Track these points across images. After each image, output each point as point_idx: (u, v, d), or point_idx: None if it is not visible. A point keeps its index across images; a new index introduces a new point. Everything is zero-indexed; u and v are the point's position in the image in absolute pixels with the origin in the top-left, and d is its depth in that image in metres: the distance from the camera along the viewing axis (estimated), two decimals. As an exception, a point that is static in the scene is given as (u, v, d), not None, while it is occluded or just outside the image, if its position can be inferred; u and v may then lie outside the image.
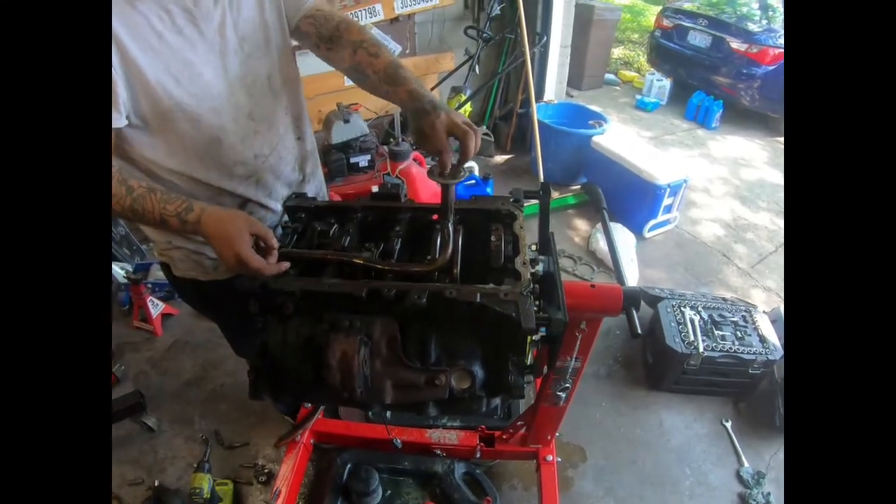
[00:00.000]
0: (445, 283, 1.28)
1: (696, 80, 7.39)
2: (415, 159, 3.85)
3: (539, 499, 2.23)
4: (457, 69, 5.05)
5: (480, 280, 1.29)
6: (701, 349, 3.03)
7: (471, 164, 4.60)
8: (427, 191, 3.72)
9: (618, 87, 8.38)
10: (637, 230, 4.58)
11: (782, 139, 6.67)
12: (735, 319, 3.28)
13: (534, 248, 1.58)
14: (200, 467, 2.56)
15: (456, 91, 4.96)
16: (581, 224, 4.89)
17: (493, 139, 5.65)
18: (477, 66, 4.91)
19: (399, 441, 2.29)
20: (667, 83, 7.65)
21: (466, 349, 1.28)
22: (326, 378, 1.19)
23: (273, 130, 1.63)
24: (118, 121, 1.31)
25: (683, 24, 7.47)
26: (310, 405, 2.37)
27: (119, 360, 3.40)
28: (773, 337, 3.13)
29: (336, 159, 3.91)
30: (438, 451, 2.36)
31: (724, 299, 3.66)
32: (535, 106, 4.94)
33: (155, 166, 1.47)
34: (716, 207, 5.29)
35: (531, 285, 1.25)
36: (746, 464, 2.90)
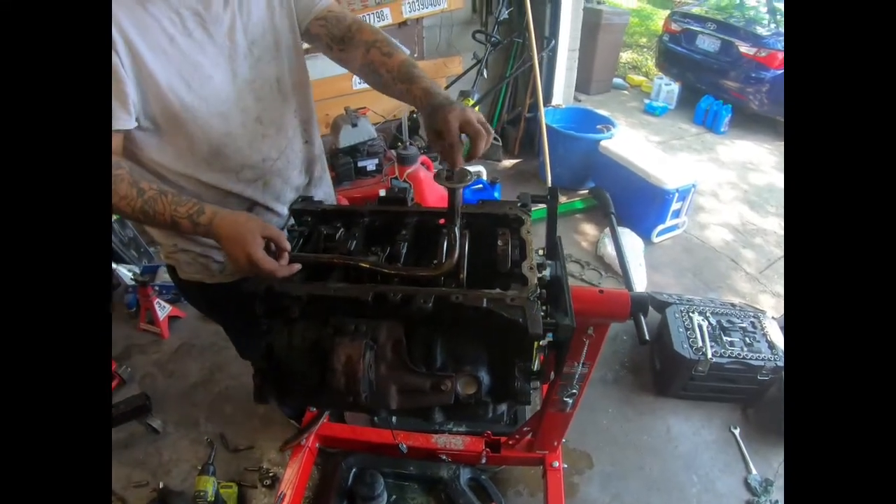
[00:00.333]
0: (452, 288, 1.27)
1: (705, 84, 7.37)
2: (422, 163, 3.84)
3: (545, 505, 2.21)
4: (465, 73, 5.05)
5: (487, 285, 1.28)
6: (709, 355, 3.00)
7: (479, 168, 4.61)
8: (434, 194, 3.72)
9: (626, 92, 8.37)
10: (645, 235, 4.55)
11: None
12: (744, 325, 3.26)
13: (541, 252, 1.57)
14: (205, 470, 2.56)
15: (464, 95, 4.95)
16: (589, 229, 4.88)
17: (500, 143, 5.65)
18: (485, 71, 4.89)
19: (405, 446, 2.28)
20: (675, 87, 7.63)
21: (472, 354, 1.26)
22: (331, 382, 1.18)
23: (281, 134, 1.63)
24: (128, 122, 1.31)
25: (692, 28, 7.46)
26: (315, 409, 2.36)
27: (125, 361, 3.41)
28: (782, 343, 3.11)
29: (344, 163, 3.91)
30: (444, 457, 2.35)
31: (732, 305, 3.63)
32: (543, 110, 4.94)
33: (163, 169, 1.47)
34: (724, 212, 5.26)
35: (538, 290, 1.24)
36: (754, 471, 2.88)
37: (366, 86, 4.43)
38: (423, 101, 1.39)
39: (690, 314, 3.29)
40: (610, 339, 2.49)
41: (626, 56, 9.80)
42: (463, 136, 1.30)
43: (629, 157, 4.60)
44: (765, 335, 3.19)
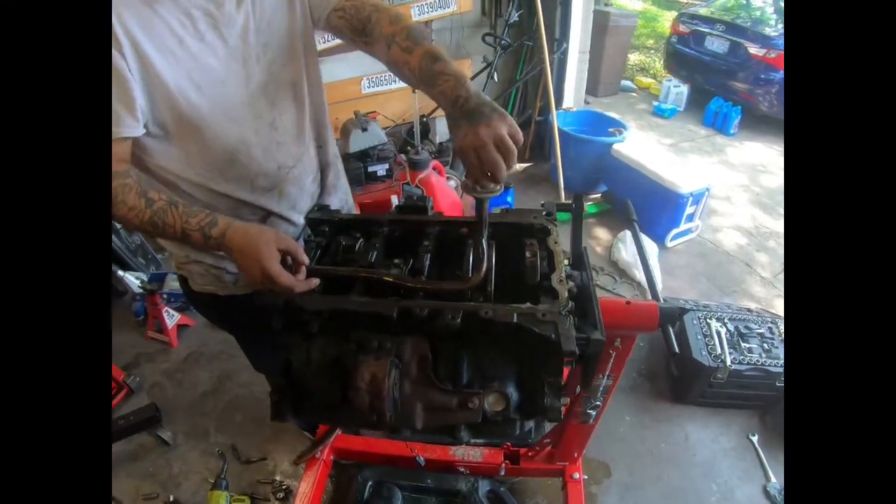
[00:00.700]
0: (480, 303, 1.22)
1: (714, 85, 7.34)
2: (434, 168, 3.80)
3: (564, 517, 2.17)
4: (475, 77, 5.00)
5: (514, 297, 1.23)
6: (728, 362, 2.96)
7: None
8: (446, 200, 3.67)
9: (634, 94, 8.34)
10: (659, 240, 4.52)
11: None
12: (761, 331, 3.21)
13: (567, 262, 1.52)
14: (217, 484, 2.52)
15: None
16: (602, 233, 4.83)
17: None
18: (495, 74, 4.86)
19: (422, 458, 2.24)
20: (684, 89, 7.58)
21: (500, 370, 1.21)
22: (354, 401, 1.13)
23: (297, 140, 1.58)
24: (135, 129, 1.26)
25: (700, 29, 7.43)
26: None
27: (133, 370, 3.38)
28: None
29: (354, 168, 3.87)
30: (462, 469, 2.31)
31: (749, 310, 3.58)
32: (555, 113, 4.90)
33: (173, 177, 1.42)
34: (737, 215, 5.22)
35: (569, 304, 1.20)
36: (773, 479, 2.83)
37: (375, 89, 4.45)
38: (445, 108, 1.27)
39: (708, 321, 3.24)
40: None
41: (633, 58, 9.76)
42: None
43: (642, 160, 4.56)
44: (783, 341, 3.15)
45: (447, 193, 3.74)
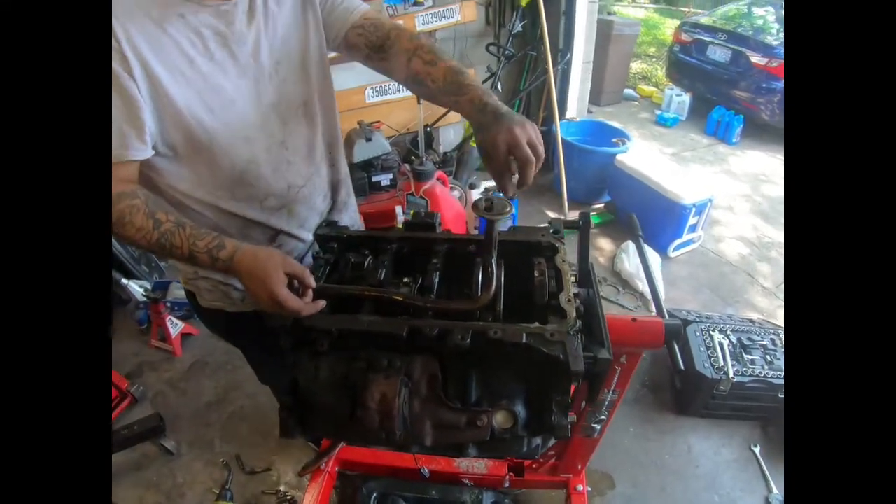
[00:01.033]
0: (489, 322, 1.22)
1: (716, 94, 7.37)
2: (438, 178, 3.81)
3: (569, 530, 2.16)
4: (478, 86, 5.01)
5: (523, 317, 1.24)
6: (731, 374, 2.97)
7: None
8: (451, 211, 3.68)
9: (636, 103, 8.35)
10: (662, 250, 4.53)
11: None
12: (764, 343, 3.22)
13: (574, 279, 1.53)
14: (222, 495, 2.53)
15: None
16: (605, 244, 4.84)
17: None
18: (499, 84, 4.87)
19: (427, 470, 2.24)
20: (686, 98, 7.60)
21: (508, 388, 1.22)
22: (364, 419, 1.14)
23: (308, 160, 1.58)
24: (143, 152, 1.26)
25: (702, 38, 7.46)
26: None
27: (137, 379, 3.38)
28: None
29: (358, 178, 3.88)
30: (467, 481, 2.31)
31: (751, 321, 3.59)
32: (558, 124, 4.91)
33: (182, 196, 1.42)
34: (739, 225, 5.23)
35: (577, 323, 1.20)
36: (776, 490, 2.84)
37: (379, 99, 4.46)
38: (473, 115, 1.32)
39: (711, 332, 3.25)
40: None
41: (635, 66, 9.78)
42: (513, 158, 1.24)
43: (645, 171, 4.57)
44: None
45: (451, 204, 3.74)
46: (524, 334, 1.14)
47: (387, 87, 4.46)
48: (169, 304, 3.62)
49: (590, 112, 7.05)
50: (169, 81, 1.24)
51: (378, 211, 3.75)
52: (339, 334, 1.22)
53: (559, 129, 4.93)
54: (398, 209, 3.50)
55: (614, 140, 5.19)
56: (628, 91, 8.44)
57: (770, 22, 7.15)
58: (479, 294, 1.28)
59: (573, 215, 3.70)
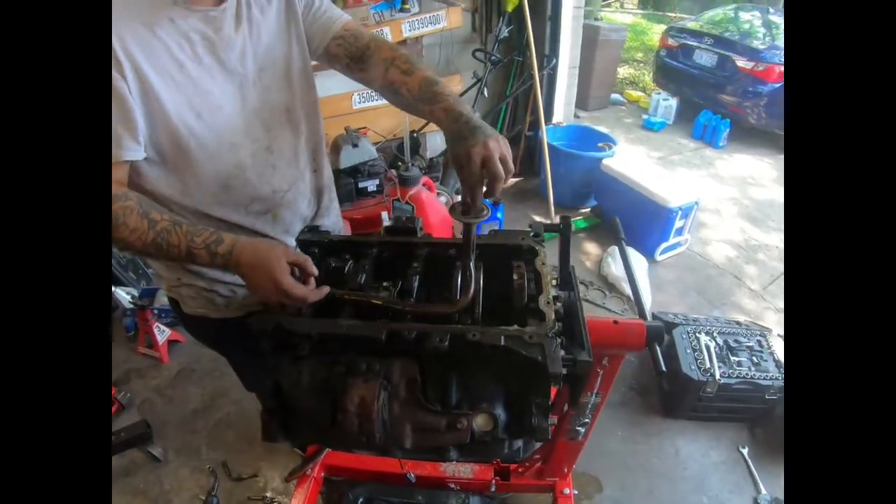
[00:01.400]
0: (468, 325, 1.23)
1: (703, 99, 7.42)
2: (424, 184, 3.81)
3: (555, 533, 2.17)
4: (465, 92, 5.01)
5: (502, 320, 1.24)
6: (717, 376, 2.98)
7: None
8: (436, 216, 3.68)
9: (624, 107, 8.40)
10: (648, 254, 4.54)
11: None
12: (750, 344, 3.24)
13: (554, 282, 1.53)
14: (208, 501, 2.53)
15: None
16: (592, 248, 4.85)
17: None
18: (485, 90, 4.89)
19: (413, 475, 2.24)
20: (673, 102, 7.65)
21: (488, 391, 1.23)
22: (344, 423, 1.14)
23: (292, 164, 1.58)
24: (137, 152, 1.26)
25: (689, 43, 7.51)
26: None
27: (124, 386, 3.37)
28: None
29: (344, 184, 3.87)
30: (453, 485, 2.31)
31: (738, 323, 3.61)
32: (544, 129, 4.93)
33: (167, 202, 1.41)
34: (726, 228, 5.26)
35: (556, 326, 1.21)
36: (764, 491, 2.84)
37: (366, 105, 4.45)
38: (447, 124, 1.32)
39: (698, 335, 3.26)
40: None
41: (622, 71, 9.83)
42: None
43: (631, 175, 4.59)
44: (772, 354, 3.18)
45: (437, 210, 3.75)
46: (502, 337, 1.15)
47: (373, 94, 4.44)
48: (156, 312, 3.61)
49: (577, 117, 7.08)
50: (159, 85, 1.24)
51: (365, 217, 3.76)
52: (319, 338, 1.22)
53: (545, 133, 4.94)
54: (384, 215, 3.50)
55: (600, 144, 5.21)
56: (615, 96, 8.48)
57: (756, 26, 7.22)
58: (458, 297, 1.28)
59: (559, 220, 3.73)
